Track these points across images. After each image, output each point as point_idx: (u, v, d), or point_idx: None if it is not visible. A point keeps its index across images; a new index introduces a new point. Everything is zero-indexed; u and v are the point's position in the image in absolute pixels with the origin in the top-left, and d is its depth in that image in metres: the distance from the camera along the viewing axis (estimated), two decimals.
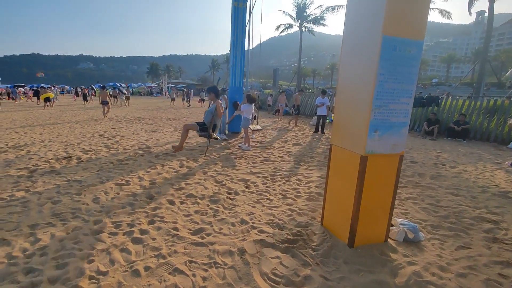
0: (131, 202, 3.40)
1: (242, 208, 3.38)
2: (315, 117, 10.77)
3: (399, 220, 2.95)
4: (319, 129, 9.93)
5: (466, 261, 2.42)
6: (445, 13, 24.77)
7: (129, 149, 6.31)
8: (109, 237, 2.61)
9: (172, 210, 3.25)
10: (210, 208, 3.35)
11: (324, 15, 31.57)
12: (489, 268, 2.34)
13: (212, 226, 2.89)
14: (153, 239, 2.61)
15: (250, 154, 6.30)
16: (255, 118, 8.15)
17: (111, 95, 18.50)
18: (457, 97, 12.08)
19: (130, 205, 3.32)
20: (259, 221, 3.06)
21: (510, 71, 42.86)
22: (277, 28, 34.56)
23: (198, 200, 3.58)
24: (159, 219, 3.00)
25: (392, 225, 2.83)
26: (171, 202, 3.48)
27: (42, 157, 5.36)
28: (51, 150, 5.97)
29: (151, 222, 2.93)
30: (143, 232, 2.72)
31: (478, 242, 2.77)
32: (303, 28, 33.34)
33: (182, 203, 3.49)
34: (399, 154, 2.49)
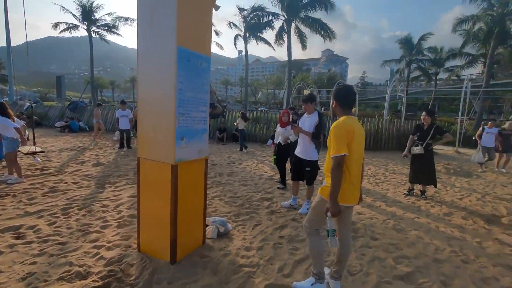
0: None
1: (7, 276, 2.19)
2: (117, 132, 9.55)
3: (211, 219, 3.22)
4: (124, 144, 8.89)
5: (260, 236, 3.09)
6: (220, 46, 31.42)
7: None
8: None
9: None
10: None
11: (117, 24, 28.64)
12: (273, 235, 3.14)
13: None
14: None
15: (24, 187, 4.35)
16: (28, 139, 5.75)
17: None
18: (235, 111, 15.71)
19: None
20: (46, 281, 2.13)
21: (260, 93, 63.91)
22: (55, 25, 26.63)
23: None
24: None
25: (206, 225, 3.03)
26: None
27: None
28: None
29: None
30: None
31: (264, 217, 3.65)
32: (92, 33, 28.15)
33: None
34: (204, 158, 2.71)
